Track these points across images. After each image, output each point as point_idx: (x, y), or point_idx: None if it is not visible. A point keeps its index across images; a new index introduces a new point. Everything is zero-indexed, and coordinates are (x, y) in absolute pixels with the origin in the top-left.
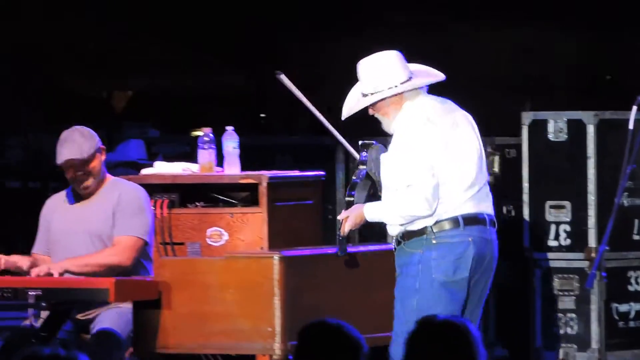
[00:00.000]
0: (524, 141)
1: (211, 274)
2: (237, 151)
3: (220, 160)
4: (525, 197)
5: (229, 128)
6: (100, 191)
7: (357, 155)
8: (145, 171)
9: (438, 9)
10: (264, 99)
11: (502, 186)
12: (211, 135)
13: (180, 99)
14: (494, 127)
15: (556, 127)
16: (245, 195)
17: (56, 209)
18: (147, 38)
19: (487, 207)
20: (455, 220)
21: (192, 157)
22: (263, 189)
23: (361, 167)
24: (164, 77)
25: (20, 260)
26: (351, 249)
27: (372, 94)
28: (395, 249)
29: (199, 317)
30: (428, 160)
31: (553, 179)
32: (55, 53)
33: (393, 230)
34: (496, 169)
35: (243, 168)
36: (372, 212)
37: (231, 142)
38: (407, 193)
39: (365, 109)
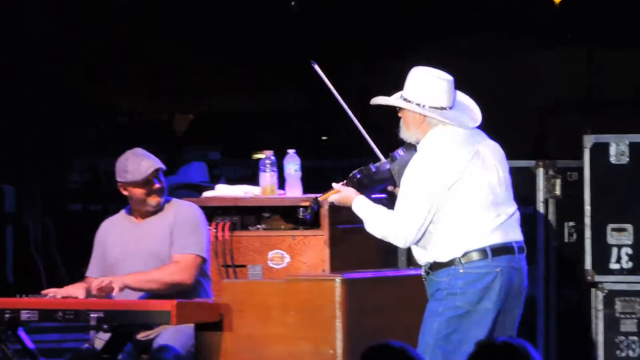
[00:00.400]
0: (585, 164)
1: (273, 296)
2: (299, 174)
3: (281, 182)
4: (587, 220)
5: (291, 151)
6: (156, 212)
7: (382, 157)
8: (207, 194)
9: (499, 30)
10: (326, 122)
11: (564, 209)
12: (273, 158)
13: (242, 121)
14: (556, 149)
15: (618, 150)
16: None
17: (111, 233)
18: (209, 60)
19: (515, 234)
20: (483, 251)
21: (253, 180)
22: (324, 212)
23: (387, 162)
24: (226, 99)
25: (74, 291)
26: (413, 271)
27: (403, 98)
28: (425, 279)
29: (261, 339)
30: (428, 201)
31: (615, 201)
32: (115, 74)
33: (421, 258)
34: (558, 192)
35: (304, 191)
36: (360, 205)
37: (293, 165)
38: (394, 218)
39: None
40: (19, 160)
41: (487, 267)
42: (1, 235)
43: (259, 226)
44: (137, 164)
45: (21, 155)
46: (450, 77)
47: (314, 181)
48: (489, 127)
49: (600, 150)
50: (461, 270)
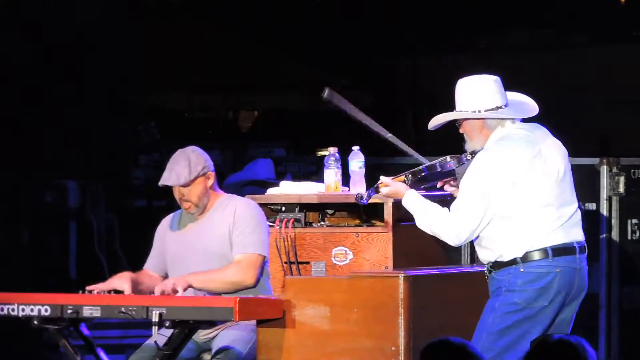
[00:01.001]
0: None
1: (336, 293)
2: (363, 171)
3: (346, 179)
4: None
5: (355, 148)
6: (213, 209)
7: (424, 161)
8: (271, 190)
9: (565, 25)
10: (391, 119)
11: (627, 207)
12: (337, 154)
13: (307, 118)
14: (620, 147)
15: None
16: (370, 214)
17: (171, 229)
18: (274, 57)
19: (577, 234)
20: (544, 251)
21: (318, 177)
22: (389, 209)
23: (453, 163)
24: (291, 96)
25: (120, 284)
26: (476, 268)
27: (458, 111)
28: (487, 277)
29: (323, 335)
30: (486, 202)
31: None
32: (182, 71)
33: (483, 257)
34: (621, 189)
35: (369, 187)
36: (411, 201)
37: (357, 162)
38: (450, 215)
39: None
40: (83, 157)
41: (547, 267)
42: (65, 231)
43: (322, 223)
44: (169, 170)
45: (85, 151)
46: (496, 77)
47: (379, 178)
48: (552, 123)
49: None
50: (522, 270)
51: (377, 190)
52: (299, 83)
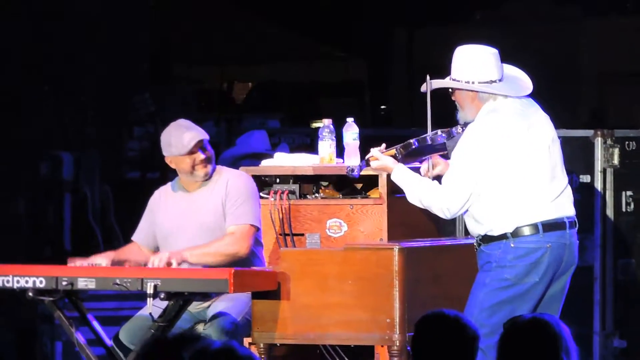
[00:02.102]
0: None
1: (330, 265)
2: (357, 142)
3: (340, 151)
4: None
5: (349, 119)
6: (206, 181)
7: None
8: (265, 162)
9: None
10: (385, 91)
11: (621, 179)
12: (331, 126)
13: (301, 89)
14: (615, 119)
15: None
16: (364, 186)
17: (163, 203)
18: (268, 28)
19: (567, 209)
20: (534, 227)
21: (312, 148)
22: (383, 181)
23: (444, 137)
24: (284, 67)
25: (100, 261)
26: (471, 240)
27: (451, 79)
28: (476, 250)
29: (318, 307)
30: (476, 174)
31: None
32: (177, 42)
33: (473, 230)
34: (616, 161)
35: (362, 159)
36: (400, 175)
37: (351, 133)
38: (440, 188)
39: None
40: (77, 128)
41: (537, 242)
42: (59, 203)
43: (317, 195)
44: (179, 137)
45: (80, 123)
46: (494, 50)
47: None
48: (546, 96)
49: None
50: (512, 245)
51: (367, 164)
52: (294, 54)
